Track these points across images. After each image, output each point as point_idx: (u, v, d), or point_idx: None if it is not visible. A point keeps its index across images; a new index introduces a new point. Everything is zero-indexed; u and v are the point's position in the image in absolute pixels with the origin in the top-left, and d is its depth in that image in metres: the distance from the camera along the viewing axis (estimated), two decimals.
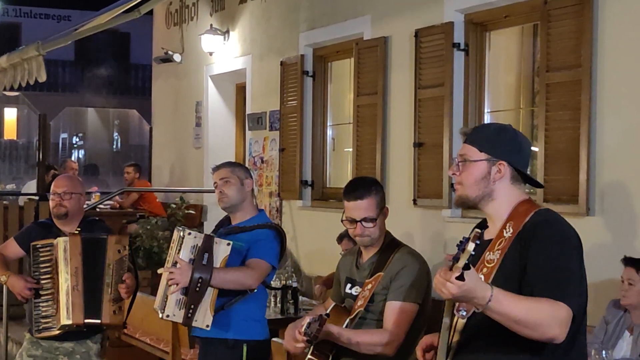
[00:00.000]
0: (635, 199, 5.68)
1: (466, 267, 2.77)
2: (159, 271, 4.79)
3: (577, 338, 3.05)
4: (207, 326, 4.74)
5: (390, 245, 4.46)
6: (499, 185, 3.13)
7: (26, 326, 5.59)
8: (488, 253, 3.09)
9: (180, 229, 4.81)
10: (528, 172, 3.26)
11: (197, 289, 4.64)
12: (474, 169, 3.14)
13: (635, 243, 5.64)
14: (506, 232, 3.07)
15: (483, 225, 3.23)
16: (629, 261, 5.27)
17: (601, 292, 5.68)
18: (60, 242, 5.26)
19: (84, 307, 5.21)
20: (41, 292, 5.26)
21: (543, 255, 2.97)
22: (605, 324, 5.35)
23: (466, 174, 3.15)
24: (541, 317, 2.88)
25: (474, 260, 3.15)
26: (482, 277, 3.04)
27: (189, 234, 4.69)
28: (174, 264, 4.67)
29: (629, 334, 5.20)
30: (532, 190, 6.54)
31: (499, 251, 3.05)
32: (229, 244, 4.74)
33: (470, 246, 2.77)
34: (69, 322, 5.20)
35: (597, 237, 5.89)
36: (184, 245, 4.67)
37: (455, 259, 2.79)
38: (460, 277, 2.76)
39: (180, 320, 4.77)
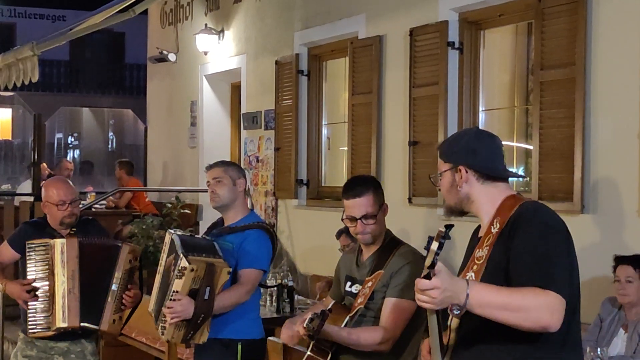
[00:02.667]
0: (629, 196, 5.69)
1: (432, 266, 2.78)
2: (166, 308, 4.71)
3: (571, 328, 3.04)
4: (203, 342, 4.77)
5: (390, 244, 4.47)
6: (470, 188, 3.19)
7: (21, 326, 5.57)
8: (478, 250, 3.12)
9: (182, 251, 4.70)
10: (513, 170, 3.28)
11: (199, 321, 4.66)
12: (444, 180, 3.25)
13: (629, 240, 5.66)
14: (494, 228, 3.10)
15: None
16: (624, 259, 5.28)
17: (596, 290, 5.69)
18: (57, 244, 5.21)
19: (79, 311, 5.19)
20: (37, 293, 5.24)
21: (527, 244, 2.98)
22: (600, 322, 5.37)
23: (441, 185, 3.28)
24: (526, 305, 2.87)
25: (465, 261, 3.20)
26: (473, 274, 3.07)
27: (192, 269, 4.55)
28: (173, 296, 4.61)
29: (623, 332, 5.22)
30: (527, 189, 6.56)
31: (487, 247, 3.07)
32: (229, 273, 4.71)
33: (435, 245, 2.79)
34: (65, 325, 5.17)
35: (591, 235, 5.91)
36: (185, 277, 4.58)
37: (423, 259, 2.82)
38: (427, 276, 2.79)
39: (179, 341, 4.81)
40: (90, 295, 5.23)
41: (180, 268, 4.58)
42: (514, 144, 7.17)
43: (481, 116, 7.16)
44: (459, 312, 2.93)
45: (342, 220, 4.48)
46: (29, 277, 5.24)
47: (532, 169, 6.36)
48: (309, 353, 4.34)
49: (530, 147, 6.56)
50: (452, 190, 3.22)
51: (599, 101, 5.91)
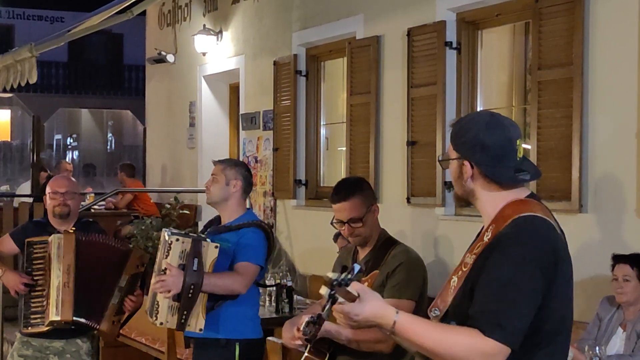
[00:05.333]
0: (627, 195, 5.70)
1: (328, 305, 2.80)
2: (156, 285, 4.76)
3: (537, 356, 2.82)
4: (200, 330, 4.77)
5: (386, 243, 4.48)
6: (475, 185, 2.94)
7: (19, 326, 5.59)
8: (468, 255, 2.93)
9: (167, 231, 4.81)
10: (521, 167, 2.93)
11: (190, 295, 4.66)
12: (451, 167, 3.01)
13: (628, 239, 5.66)
14: (486, 236, 2.89)
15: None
16: (621, 258, 5.29)
17: (594, 289, 5.71)
18: (55, 239, 5.26)
19: (73, 305, 5.21)
20: (34, 287, 5.27)
21: (492, 274, 2.76)
22: (598, 321, 5.37)
23: (450, 172, 3.04)
24: (455, 351, 2.72)
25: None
26: (456, 279, 2.91)
27: (177, 239, 4.67)
28: (164, 270, 4.67)
29: (622, 331, 5.22)
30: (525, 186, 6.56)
31: (474, 255, 2.89)
32: (216, 247, 4.73)
33: (324, 290, 2.76)
34: (57, 318, 5.19)
35: (590, 234, 5.92)
36: (172, 251, 4.65)
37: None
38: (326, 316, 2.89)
39: (174, 327, 4.80)
40: (89, 292, 5.25)
41: (167, 246, 4.66)
42: None
43: None
44: (438, 313, 2.89)
45: (332, 224, 4.50)
46: (27, 272, 5.30)
47: None
48: (306, 354, 4.34)
49: (528, 147, 6.56)
50: (459, 181, 2.98)
51: (596, 100, 5.92)
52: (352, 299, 2.76)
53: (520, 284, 2.73)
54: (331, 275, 2.78)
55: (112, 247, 5.41)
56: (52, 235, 5.30)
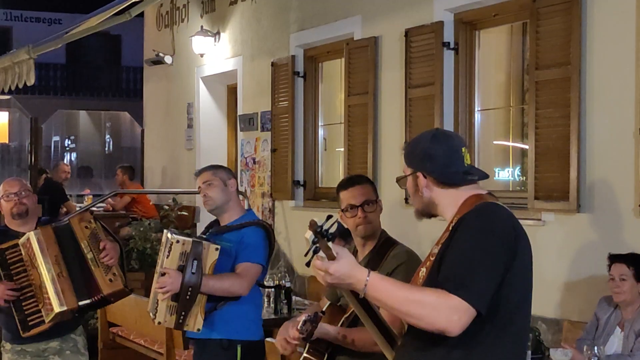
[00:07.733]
0: (625, 195, 5.71)
1: (310, 253, 2.93)
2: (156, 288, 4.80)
3: (486, 337, 2.98)
4: (198, 330, 4.78)
5: (385, 244, 4.46)
6: (432, 193, 3.16)
7: (5, 336, 5.50)
8: (434, 247, 3.13)
9: (168, 232, 4.82)
10: (476, 168, 3.23)
11: (188, 296, 4.70)
12: (408, 184, 3.24)
13: (625, 238, 5.67)
14: (451, 226, 3.10)
15: None
16: (618, 257, 5.29)
17: (593, 288, 5.71)
18: (32, 236, 5.16)
19: (74, 291, 5.18)
20: (22, 291, 5.22)
21: (457, 247, 2.97)
22: (596, 321, 5.38)
23: (407, 189, 3.26)
24: (422, 306, 2.88)
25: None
26: (425, 270, 3.10)
27: (177, 241, 4.70)
28: (162, 273, 4.70)
29: (620, 330, 5.23)
30: (523, 188, 6.57)
31: (441, 245, 3.09)
32: (217, 249, 4.75)
33: (308, 234, 2.93)
34: (63, 308, 5.08)
35: (587, 234, 5.92)
36: (172, 252, 4.69)
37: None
38: (307, 264, 2.98)
39: (172, 326, 4.85)
40: (79, 273, 5.21)
41: (168, 246, 4.70)
42: (510, 143, 7.18)
43: (477, 116, 7.18)
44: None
45: (341, 210, 4.44)
46: (7, 279, 5.20)
47: (528, 168, 6.38)
48: (305, 355, 4.34)
49: (526, 147, 6.57)
50: (417, 195, 3.21)
51: (594, 100, 5.93)
52: (331, 256, 2.93)
53: (484, 251, 2.94)
54: (316, 220, 2.96)
55: (64, 226, 5.36)
56: (28, 234, 5.20)
